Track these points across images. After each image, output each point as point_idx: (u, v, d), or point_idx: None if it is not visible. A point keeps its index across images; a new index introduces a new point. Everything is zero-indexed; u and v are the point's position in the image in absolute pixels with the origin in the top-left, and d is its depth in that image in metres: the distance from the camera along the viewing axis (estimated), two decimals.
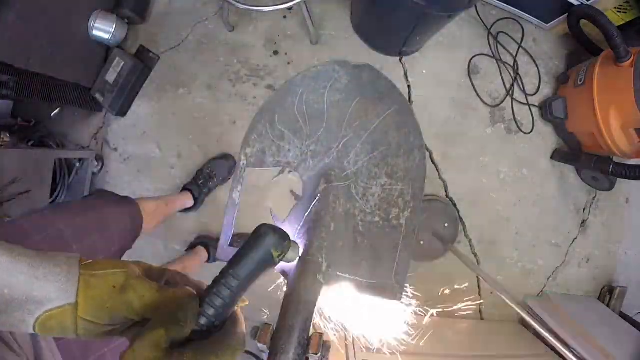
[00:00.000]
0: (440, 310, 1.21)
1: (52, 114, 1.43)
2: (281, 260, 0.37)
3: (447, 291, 1.40)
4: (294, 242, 0.40)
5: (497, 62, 1.53)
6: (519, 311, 1.00)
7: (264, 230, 0.35)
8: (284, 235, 0.36)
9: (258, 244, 0.34)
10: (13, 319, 0.28)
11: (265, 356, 0.39)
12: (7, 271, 0.28)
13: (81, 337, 0.30)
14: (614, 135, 1.27)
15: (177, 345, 0.27)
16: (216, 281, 0.33)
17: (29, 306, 0.28)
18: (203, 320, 0.31)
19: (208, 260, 1.32)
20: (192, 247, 1.37)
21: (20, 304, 0.28)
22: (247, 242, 0.35)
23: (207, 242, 1.35)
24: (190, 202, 1.31)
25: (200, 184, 1.34)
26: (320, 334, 0.40)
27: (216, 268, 1.46)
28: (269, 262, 0.35)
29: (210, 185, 1.36)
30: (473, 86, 1.50)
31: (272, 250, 0.35)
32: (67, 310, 0.29)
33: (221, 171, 1.38)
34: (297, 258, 0.41)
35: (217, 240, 1.35)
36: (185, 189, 1.34)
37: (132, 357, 0.26)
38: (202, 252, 1.31)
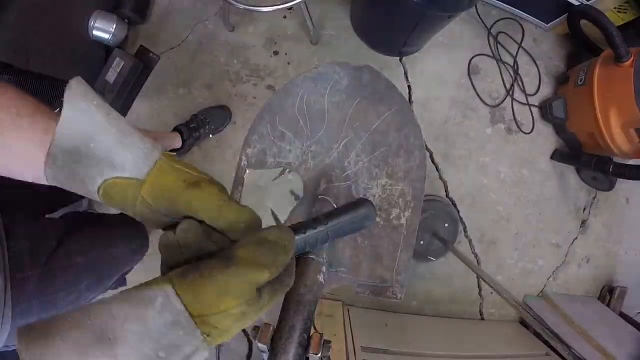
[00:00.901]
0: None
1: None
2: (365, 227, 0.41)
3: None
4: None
5: (497, 62, 1.53)
6: (519, 311, 1.00)
7: (369, 204, 0.39)
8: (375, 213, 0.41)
9: (363, 213, 0.39)
10: (85, 173, 0.29)
11: (265, 356, 0.39)
12: (99, 128, 0.29)
13: (136, 215, 0.31)
14: (614, 135, 1.27)
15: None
16: (314, 222, 0.36)
17: (104, 166, 0.29)
18: (298, 249, 0.35)
19: (180, 149, 1.30)
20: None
21: (98, 162, 0.29)
22: (353, 207, 0.39)
23: (180, 129, 1.31)
24: (178, 143, 1.29)
25: (192, 127, 1.32)
26: (321, 334, 0.40)
27: None
28: (360, 229, 0.40)
29: (202, 132, 1.34)
30: (473, 86, 1.51)
31: (367, 221, 0.39)
32: (133, 184, 0.29)
33: (215, 120, 1.36)
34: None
35: (191, 127, 1.31)
36: (175, 129, 1.32)
37: (223, 290, 0.26)
38: (176, 137, 1.29)
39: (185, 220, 0.30)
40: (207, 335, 0.26)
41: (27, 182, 0.32)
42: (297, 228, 0.36)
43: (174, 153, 0.32)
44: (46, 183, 0.30)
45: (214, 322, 0.26)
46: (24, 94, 0.31)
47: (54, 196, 0.78)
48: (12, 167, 0.31)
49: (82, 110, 0.28)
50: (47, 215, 0.72)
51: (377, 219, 0.55)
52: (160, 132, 1.31)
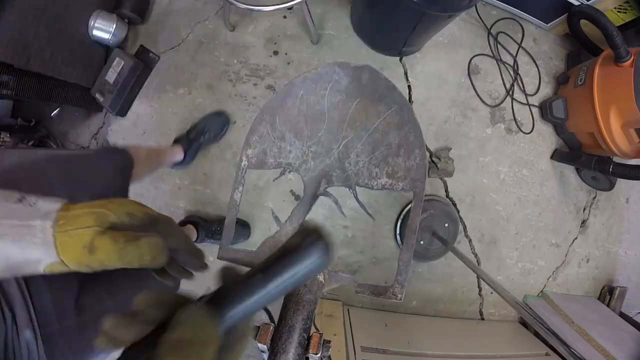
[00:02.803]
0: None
1: (52, 114, 1.43)
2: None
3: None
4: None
5: (497, 62, 1.53)
6: (519, 311, 1.00)
7: (322, 248, 0.27)
8: (332, 255, 0.28)
9: (313, 263, 0.27)
10: (28, 272, 0.34)
11: (265, 356, 0.39)
12: (1, 250, 0.33)
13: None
14: (614, 135, 1.27)
15: None
16: (241, 283, 0.27)
17: (31, 265, 0.34)
18: (232, 318, 0.26)
19: (196, 240, 1.31)
20: (181, 224, 1.35)
21: (26, 265, 0.34)
22: (298, 253, 0.27)
23: (196, 222, 1.33)
24: (180, 155, 1.30)
25: (191, 137, 1.32)
26: (321, 334, 0.40)
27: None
28: (307, 280, 0.30)
29: (202, 140, 1.35)
30: (473, 86, 1.51)
31: (320, 272, 0.29)
32: (59, 264, 0.34)
33: (213, 127, 1.36)
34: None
35: (206, 221, 1.33)
36: (175, 141, 1.33)
37: None
38: (191, 232, 1.30)
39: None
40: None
41: None
42: (222, 303, 0.26)
43: (62, 207, 0.34)
44: None
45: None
46: None
47: None
48: None
49: None
50: None
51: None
52: (161, 147, 1.31)
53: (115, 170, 0.77)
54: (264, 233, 1.42)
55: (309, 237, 0.27)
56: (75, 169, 0.66)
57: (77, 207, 0.34)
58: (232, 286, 0.27)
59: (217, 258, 0.53)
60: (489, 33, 1.52)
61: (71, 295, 0.59)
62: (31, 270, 0.34)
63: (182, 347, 0.24)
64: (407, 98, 1.48)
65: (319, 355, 0.39)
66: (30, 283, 0.54)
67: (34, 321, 0.51)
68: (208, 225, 1.34)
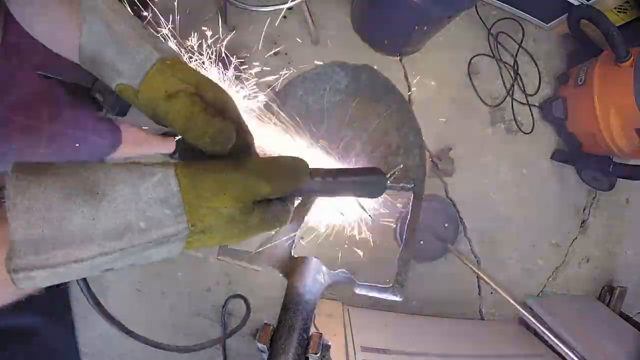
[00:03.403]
0: None
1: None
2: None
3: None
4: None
5: (497, 62, 1.53)
6: (519, 311, 1.00)
7: (381, 175, 0.37)
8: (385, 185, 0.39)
9: (373, 181, 0.37)
10: (103, 76, 0.35)
11: (265, 356, 0.39)
12: (102, 41, 0.33)
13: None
14: (614, 135, 1.27)
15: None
16: (325, 172, 0.35)
17: (113, 73, 0.34)
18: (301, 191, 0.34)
19: (172, 154, 1.30)
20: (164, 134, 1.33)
21: (109, 69, 0.34)
22: (366, 172, 0.37)
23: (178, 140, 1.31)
24: (170, 148, 1.29)
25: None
26: (320, 334, 0.40)
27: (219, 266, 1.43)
28: (365, 196, 0.39)
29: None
30: (473, 86, 1.50)
31: (374, 191, 0.38)
32: (132, 91, 0.34)
33: None
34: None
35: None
36: (171, 134, 1.31)
37: (222, 186, 0.27)
38: (169, 141, 1.28)
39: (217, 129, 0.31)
40: (192, 226, 0.26)
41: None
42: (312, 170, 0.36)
43: (174, 57, 0.35)
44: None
45: (202, 215, 0.26)
46: None
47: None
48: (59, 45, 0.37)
49: (89, 26, 0.33)
50: None
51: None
52: (155, 136, 1.30)
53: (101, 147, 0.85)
54: (264, 233, 1.42)
55: (376, 168, 0.38)
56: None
57: (187, 65, 0.35)
58: (322, 169, 0.35)
59: (217, 258, 0.53)
60: (489, 33, 1.52)
61: None
62: (107, 77, 0.34)
63: (276, 164, 0.30)
64: (407, 98, 1.48)
65: (318, 355, 0.39)
66: None
67: None
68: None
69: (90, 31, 0.33)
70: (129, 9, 0.38)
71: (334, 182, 0.36)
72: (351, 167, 0.39)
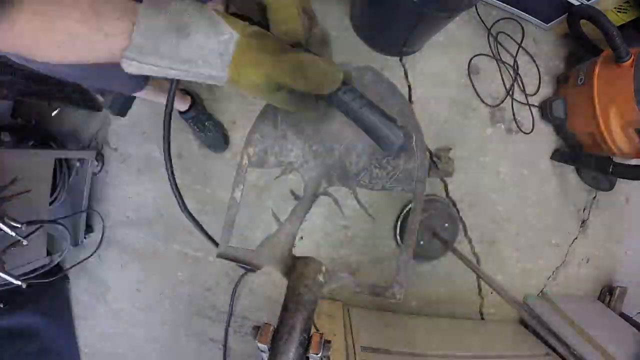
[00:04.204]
0: None
1: (52, 114, 1.43)
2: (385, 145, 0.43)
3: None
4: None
5: (497, 62, 1.53)
6: (519, 311, 1.00)
7: (405, 134, 0.41)
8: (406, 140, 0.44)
9: (396, 131, 0.41)
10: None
11: (265, 356, 0.39)
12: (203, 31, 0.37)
13: None
14: (614, 135, 1.27)
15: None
16: (358, 95, 0.40)
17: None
18: (336, 99, 0.40)
19: (186, 111, 1.31)
20: (181, 90, 1.36)
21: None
22: (392, 120, 0.41)
23: (195, 98, 1.33)
24: (185, 105, 1.30)
25: (200, 108, 1.33)
26: (321, 334, 0.40)
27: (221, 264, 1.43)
28: (381, 142, 0.41)
29: (206, 119, 1.36)
30: (473, 86, 1.51)
31: (393, 141, 0.41)
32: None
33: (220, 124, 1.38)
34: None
35: (205, 109, 1.36)
36: (189, 93, 1.33)
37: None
38: (186, 100, 1.30)
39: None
40: (230, 77, 0.36)
41: None
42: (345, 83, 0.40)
43: None
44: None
45: (238, 74, 0.36)
46: None
47: None
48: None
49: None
50: None
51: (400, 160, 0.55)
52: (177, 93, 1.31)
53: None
54: (264, 233, 1.42)
55: (401, 126, 0.41)
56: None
57: None
58: (356, 90, 0.41)
59: (216, 257, 0.53)
60: (489, 33, 1.52)
61: None
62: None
63: (318, 65, 0.37)
64: (407, 98, 1.48)
65: (319, 355, 0.39)
66: None
67: None
68: (201, 110, 1.34)
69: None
70: None
71: (360, 107, 0.39)
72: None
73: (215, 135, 1.37)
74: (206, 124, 1.35)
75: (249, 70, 0.35)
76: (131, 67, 0.34)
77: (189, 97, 1.31)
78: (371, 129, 0.40)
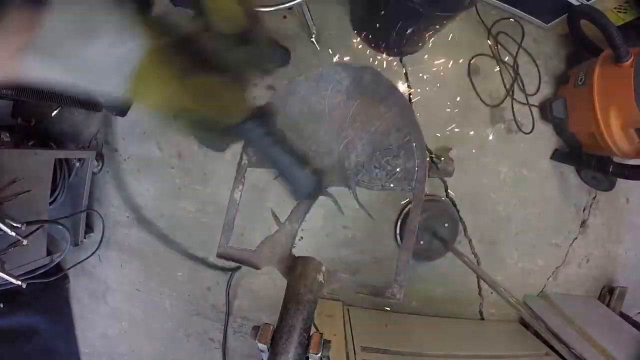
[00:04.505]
0: None
1: (52, 114, 1.43)
2: None
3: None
4: None
5: (497, 62, 1.53)
6: (519, 311, 1.00)
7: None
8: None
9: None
10: None
11: (265, 356, 0.39)
12: None
13: None
14: (614, 135, 1.26)
15: None
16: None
17: None
18: None
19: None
20: None
21: None
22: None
23: None
24: None
25: None
26: (321, 334, 0.40)
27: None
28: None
29: None
30: (473, 86, 1.50)
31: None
32: None
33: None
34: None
35: None
36: None
37: None
38: None
39: None
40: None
41: None
42: None
43: None
44: None
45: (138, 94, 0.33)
46: None
47: None
48: None
49: None
50: None
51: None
52: None
53: None
54: (264, 233, 1.42)
55: None
56: None
57: None
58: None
59: (216, 256, 0.53)
60: (489, 33, 1.52)
61: None
62: None
63: None
64: (407, 98, 1.48)
65: (319, 354, 0.39)
66: None
67: None
68: None
69: None
70: None
71: (266, 146, 0.38)
72: None
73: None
74: None
75: (150, 87, 0.32)
76: (29, 69, 0.31)
77: None
78: (280, 171, 0.39)
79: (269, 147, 0.34)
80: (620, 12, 1.33)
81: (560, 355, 1.19)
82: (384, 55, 1.46)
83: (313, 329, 0.41)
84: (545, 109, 1.51)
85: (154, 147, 1.45)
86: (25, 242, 1.01)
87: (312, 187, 0.35)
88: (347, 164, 0.57)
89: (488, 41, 1.52)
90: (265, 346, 0.39)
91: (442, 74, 1.49)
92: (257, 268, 0.51)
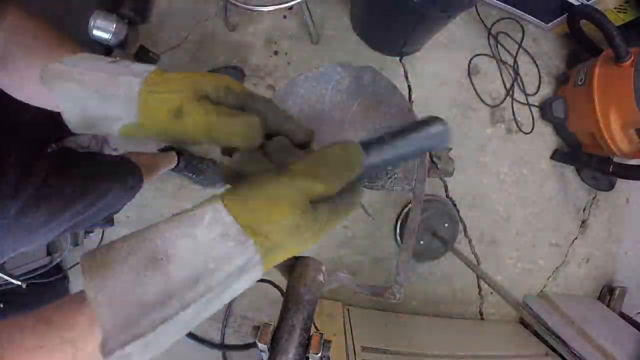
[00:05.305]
0: None
1: None
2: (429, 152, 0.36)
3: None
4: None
5: (497, 62, 1.53)
6: (518, 311, 1.00)
7: (444, 123, 0.33)
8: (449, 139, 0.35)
9: (435, 131, 0.33)
10: (103, 129, 0.32)
11: (265, 356, 0.39)
12: (82, 98, 0.31)
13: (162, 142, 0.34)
14: (614, 135, 1.27)
15: None
16: (379, 141, 0.31)
17: (108, 122, 0.32)
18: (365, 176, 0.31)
19: (175, 168, 1.29)
20: (162, 150, 1.34)
21: (102, 120, 0.32)
22: (424, 125, 0.33)
23: (180, 150, 1.32)
24: (173, 162, 1.29)
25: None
26: (321, 334, 0.40)
27: None
28: (431, 149, 0.34)
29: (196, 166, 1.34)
30: (473, 86, 1.51)
31: (440, 141, 0.34)
32: (135, 127, 0.31)
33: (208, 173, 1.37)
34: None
35: (191, 154, 1.32)
36: (167, 148, 1.32)
37: (273, 198, 0.26)
38: (172, 157, 1.28)
39: (237, 153, 0.31)
40: (260, 246, 0.25)
41: (25, 113, 0.38)
42: (365, 147, 0.32)
43: (156, 70, 0.32)
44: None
45: (265, 232, 0.25)
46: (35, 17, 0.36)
47: (50, 130, 0.77)
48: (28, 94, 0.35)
49: (61, 91, 0.31)
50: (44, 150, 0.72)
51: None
52: (156, 155, 1.29)
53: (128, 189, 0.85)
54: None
55: (433, 117, 0.34)
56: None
57: (172, 73, 0.32)
58: (373, 140, 0.32)
59: None
60: (489, 33, 1.52)
61: (37, 178, 0.61)
62: (105, 129, 0.32)
63: (324, 159, 0.28)
64: (407, 98, 1.48)
65: (319, 355, 0.39)
66: (3, 152, 0.55)
67: None
68: (190, 157, 1.33)
69: (66, 96, 0.31)
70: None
71: (392, 149, 0.32)
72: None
73: (215, 171, 1.36)
74: (199, 166, 1.34)
75: (271, 216, 0.26)
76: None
77: (173, 153, 1.30)
78: (419, 151, 0.34)
79: (393, 150, 0.33)
80: (620, 12, 1.34)
81: (560, 355, 1.19)
82: (384, 55, 1.46)
83: (313, 329, 0.41)
84: (545, 109, 1.51)
85: (154, 147, 1.45)
86: None
87: (446, 126, 0.34)
88: None
89: (488, 41, 1.52)
90: (265, 346, 0.39)
91: (442, 73, 1.50)
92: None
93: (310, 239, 0.27)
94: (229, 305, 1.43)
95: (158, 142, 1.33)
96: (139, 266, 0.24)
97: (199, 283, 0.24)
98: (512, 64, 1.54)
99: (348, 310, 1.34)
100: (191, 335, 0.46)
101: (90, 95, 0.31)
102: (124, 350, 0.22)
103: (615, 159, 1.35)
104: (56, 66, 0.32)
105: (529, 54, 1.55)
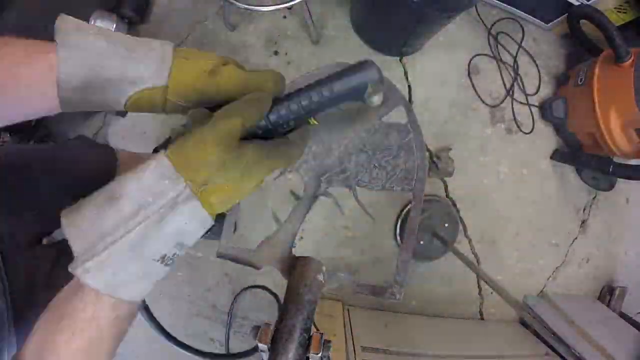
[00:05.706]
0: None
1: (52, 114, 1.43)
2: (367, 100, 0.36)
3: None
4: (386, 90, 0.41)
5: (497, 62, 1.53)
6: (518, 311, 1.00)
7: (370, 63, 0.34)
8: (382, 78, 0.36)
9: (359, 70, 0.34)
10: (104, 99, 0.33)
11: (265, 356, 0.39)
12: (104, 53, 0.32)
13: (168, 113, 0.36)
14: (614, 135, 1.27)
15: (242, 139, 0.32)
16: (300, 90, 0.34)
17: (123, 86, 0.33)
18: (272, 117, 0.33)
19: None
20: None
21: (116, 84, 0.32)
22: (349, 67, 0.35)
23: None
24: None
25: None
26: (321, 334, 0.40)
27: (222, 263, 1.44)
28: (358, 93, 0.35)
29: None
30: (473, 86, 1.51)
31: (369, 83, 0.34)
32: (158, 91, 0.33)
33: None
34: (380, 105, 0.39)
35: None
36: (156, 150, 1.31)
37: (199, 140, 0.30)
38: None
39: (193, 110, 0.34)
40: (191, 182, 0.30)
41: (23, 208, 0.41)
42: (281, 97, 0.35)
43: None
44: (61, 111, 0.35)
45: (194, 169, 0.29)
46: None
47: (49, 221, 0.74)
48: (27, 101, 0.35)
49: (78, 46, 0.32)
50: (43, 240, 0.69)
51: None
52: (144, 155, 1.29)
53: (99, 162, 0.82)
54: (264, 233, 1.42)
55: (362, 62, 0.34)
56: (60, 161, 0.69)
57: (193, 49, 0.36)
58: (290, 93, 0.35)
59: (217, 256, 0.53)
60: (489, 33, 1.52)
61: (43, 274, 0.59)
62: (109, 96, 0.33)
63: (241, 101, 0.32)
64: (407, 98, 1.48)
65: (319, 355, 0.39)
66: (6, 252, 0.53)
67: (7, 291, 0.51)
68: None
69: (75, 57, 0.32)
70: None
71: (308, 88, 0.34)
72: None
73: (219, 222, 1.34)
74: None
75: (198, 155, 0.31)
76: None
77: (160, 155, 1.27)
78: (348, 95, 0.34)
79: (317, 92, 0.37)
80: (620, 12, 1.34)
81: (560, 355, 1.19)
82: (384, 55, 1.46)
83: (313, 329, 0.41)
84: (545, 109, 1.51)
85: (154, 147, 1.45)
86: None
87: (376, 73, 0.36)
88: (347, 164, 0.57)
89: (488, 41, 1.52)
90: (265, 346, 0.39)
91: (442, 73, 1.50)
92: (257, 268, 0.51)
93: (242, 178, 0.31)
94: (231, 307, 1.43)
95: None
96: (100, 204, 0.29)
97: (139, 213, 0.29)
98: (512, 64, 1.54)
99: (348, 310, 1.34)
100: (190, 349, 0.49)
101: (116, 51, 0.32)
102: (84, 266, 0.28)
103: (615, 159, 1.35)
104: (78, 21, 0.34)
105: (529, 54, 1.55)
